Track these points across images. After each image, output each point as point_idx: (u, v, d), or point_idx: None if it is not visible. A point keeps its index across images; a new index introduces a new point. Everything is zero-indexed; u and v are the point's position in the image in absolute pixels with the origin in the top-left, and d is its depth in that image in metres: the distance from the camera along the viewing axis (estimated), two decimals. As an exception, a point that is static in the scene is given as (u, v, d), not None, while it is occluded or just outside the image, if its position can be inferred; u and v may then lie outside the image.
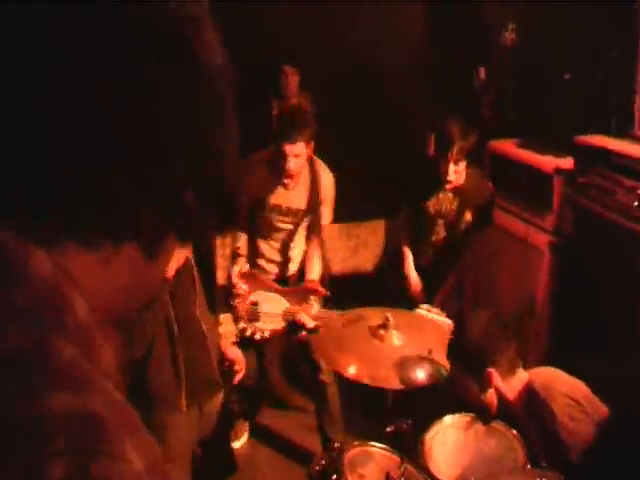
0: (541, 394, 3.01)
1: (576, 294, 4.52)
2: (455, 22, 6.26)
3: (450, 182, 4.99)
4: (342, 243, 7.02)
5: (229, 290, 4.88)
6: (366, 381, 3.59)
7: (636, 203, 3.94)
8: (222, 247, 6.05)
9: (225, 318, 5.19)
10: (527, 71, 5.54)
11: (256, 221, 4.98)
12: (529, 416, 3.09)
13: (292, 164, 4.60)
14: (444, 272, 5.42)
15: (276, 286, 4.87)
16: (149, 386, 3.59)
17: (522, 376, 3.14)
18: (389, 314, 3.82)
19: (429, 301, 5.00)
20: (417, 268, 5.41)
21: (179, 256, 3.41)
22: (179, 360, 3.60)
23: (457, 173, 4.96)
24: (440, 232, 5.35)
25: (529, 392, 3.08)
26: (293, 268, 5.09)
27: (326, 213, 4.96)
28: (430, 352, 3.68)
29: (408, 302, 5.02)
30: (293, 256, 5.07)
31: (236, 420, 5.41)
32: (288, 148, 4.54)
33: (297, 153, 4.58)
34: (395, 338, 3.78)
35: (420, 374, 3.62)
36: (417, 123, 6.62)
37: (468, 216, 5.28)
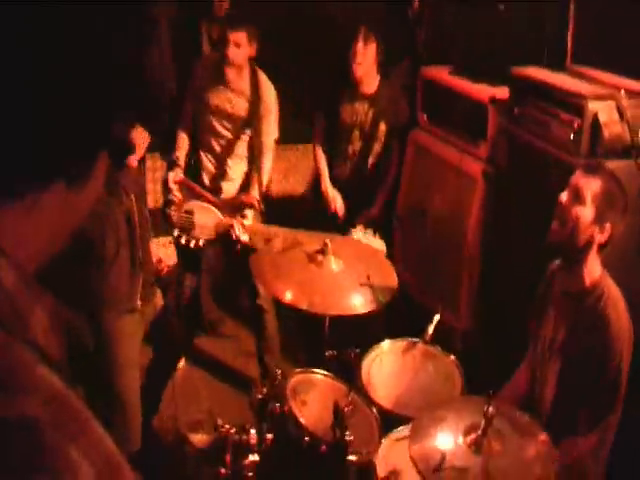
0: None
1: (508, 225, 4.60)
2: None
3: (359, 64, 5.17)
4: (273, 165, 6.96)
5: (162, 210, 4.90)
6: (304, 307, 3.59)
7: (572, 136, 4.00)
8: (152, 171, 5.97)
9: (159, 243, 5.19)
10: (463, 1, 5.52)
11: (197, 127, 5.06)
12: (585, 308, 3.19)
13: (233, 51, 4.73)
14: (367, 190, 5.49)
15: (211, 197, 4.89)
16: (106, 288, 3.69)
17: (599, 266, 3.23)
18: (328, 240, 3.79)
19: (351, 219, 5.12)
20: (338, 186, 5.47)
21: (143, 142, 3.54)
22: (137, 261, 3.75)
23: (365, 56, 5.16)
24: (356, 143, 5.43)
25: (603, 285, 3.17)
26: (231, 189, 5.06)
27: (268, 128, 4.98)
28: (369, 278, 3.69)
29: (339, 225, 5.07)
30: (232, 175, 5.06)
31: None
32: (231, 35, 4.69)
33: (239, 42, 4.71)
34: (333, 264, 3.76)
35: (358, 300, 3.65)
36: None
37: (383, 127, 5.40)
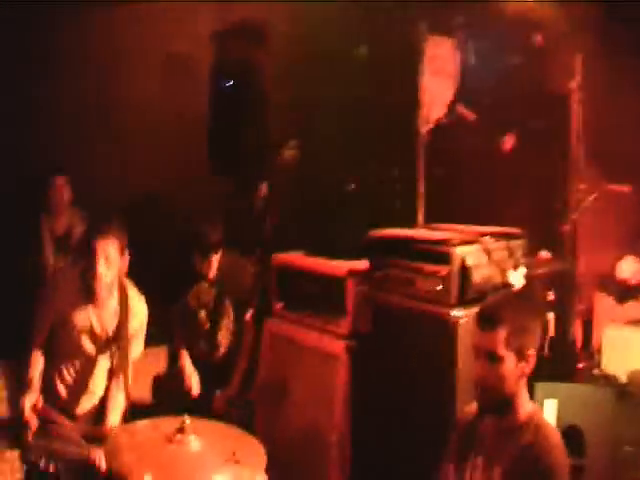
0: None
1: (380, 394, 4.42)
2: (235, 140, 6.26)
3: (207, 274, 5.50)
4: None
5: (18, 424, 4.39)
6: (164, 489, 3.43)
7: (440, 286, 3.90)
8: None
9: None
10: (311, 185, 5.58)
11: (56, 343, 4.54)
12: None
13: (102, 266, 4.27)
14: (224, 368, 5.59)
15: (70, 423, 4.51)
16: None
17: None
18: (186, 418, 3.70)
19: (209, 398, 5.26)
20: (196, 367, 5.57)
21: None
22: None
23: (211, 266, 5.49)
24: (204, 322, 5.59)
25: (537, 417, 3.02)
26: (89, 405, 4.65)
27: (136, 346, 4.68)
28: (234, 454, 3.56)
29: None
30: (92, 389, 4.63)
31: None
32: (99, 244, 4.25)
33: (108, 253, 4.28)
34: (194, 443, 3.66)
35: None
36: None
37: (228, 304, 5.60)
